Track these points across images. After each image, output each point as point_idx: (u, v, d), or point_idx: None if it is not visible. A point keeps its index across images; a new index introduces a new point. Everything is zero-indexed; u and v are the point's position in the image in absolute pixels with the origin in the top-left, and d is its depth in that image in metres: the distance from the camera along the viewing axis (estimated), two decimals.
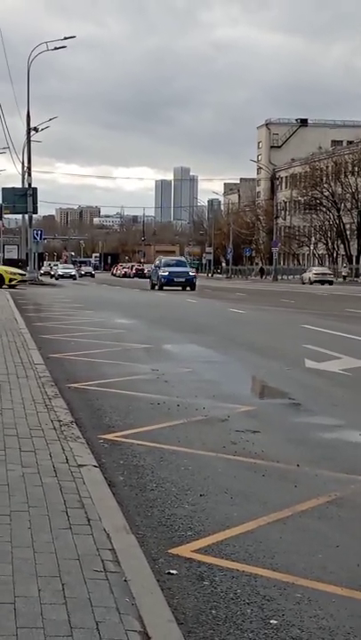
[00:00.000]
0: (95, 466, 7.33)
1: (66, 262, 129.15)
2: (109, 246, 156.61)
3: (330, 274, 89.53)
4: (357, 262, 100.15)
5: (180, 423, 9.92)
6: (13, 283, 50.43)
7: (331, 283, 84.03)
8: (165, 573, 5.14)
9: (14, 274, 52.91)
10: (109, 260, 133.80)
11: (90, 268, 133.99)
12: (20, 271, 58.53)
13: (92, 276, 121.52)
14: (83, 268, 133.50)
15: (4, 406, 9.77)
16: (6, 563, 4.88)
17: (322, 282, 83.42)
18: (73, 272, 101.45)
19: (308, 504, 6.77)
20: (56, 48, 60.27)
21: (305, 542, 5.93)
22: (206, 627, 4.53)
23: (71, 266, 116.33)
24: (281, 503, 6.75)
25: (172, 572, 5.22)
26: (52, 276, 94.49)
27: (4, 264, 61.22)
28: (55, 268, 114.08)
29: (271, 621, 4.60)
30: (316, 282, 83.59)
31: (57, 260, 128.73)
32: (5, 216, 79.62)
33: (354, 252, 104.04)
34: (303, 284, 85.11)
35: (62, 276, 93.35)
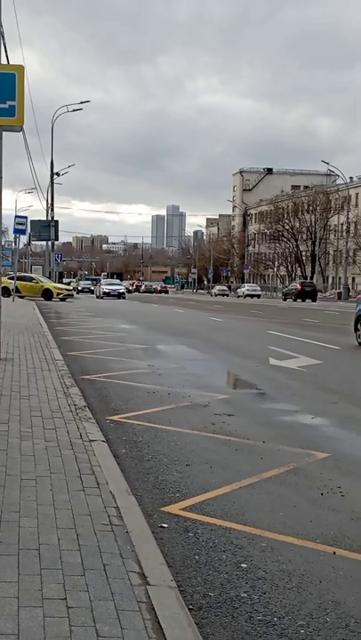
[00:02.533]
0: (103, 441, 7.38)
1: (169, 277, 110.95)
2: (115, 267, 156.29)
3: (258, 290, 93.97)
4: (310, 278, 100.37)
5: (171, 408, 9.96)
6: (61, 296, 49.92)
7: (259, 297, 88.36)
8: (158, 527, 5.22)
9: (61, 289, 52.36)
10: (115, 278, 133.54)
11: (90, 285, 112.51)
12: (66, 287, 58.21)
13: (92, 292, 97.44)
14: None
15: (31, 393, 9.78)
16: (32, 517, 4.91)
17: (251, 296, 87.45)
18: (122, 289, 69.15)
19: (271, 472, 6.83)
20: (74, 110, 60.46)
21: (269, 503, 5.99)
22: (190, 569, 4.59)
23: (118, 281, 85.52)
24: (250, 472, 6.81)
25: (163, 525, 5.29)
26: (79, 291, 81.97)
27: None
28: (82, 284, 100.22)
29: (242, 565, 4.67)
30: (248, 296, 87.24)
31: (72, 278, 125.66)
32: (33, 242, 80.00)
33: (308, 274, 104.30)
34: (238, 297, 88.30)
35: (108, 295, 65.72)
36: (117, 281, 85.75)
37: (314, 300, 71.59)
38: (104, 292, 66.53)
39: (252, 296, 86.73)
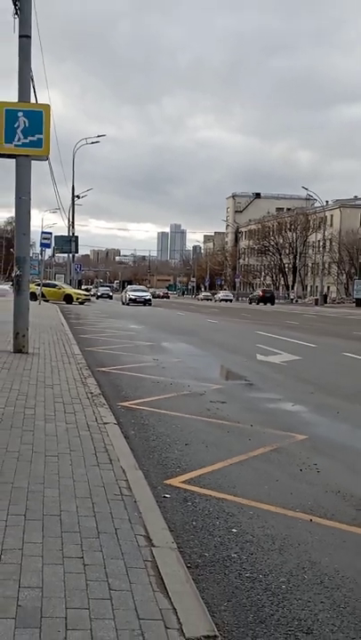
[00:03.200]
0: (115, 424, 7.37)
1: (172, 284, 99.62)
2: (125, 275, 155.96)
3: (230, 295, 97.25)
4: (292, 289, 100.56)
5: (173, 396, 9.96)
6: (80, 300, 49.74)
7: (230, 301, 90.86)
8: (162, 497, 5.22)
9: (80, 294, 52.26)
10: (125, 285, 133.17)
11: (109, 291, 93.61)
12: (84, 292, 58.18)
13: (110, 297, 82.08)
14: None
15: (54, 382, 9.78)
16: (55, 488, 4.92)
17: (225, 300, 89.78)
18: (148, 296, 57.28)
19: (258, 451, 6.83)
20: (92, 142, 60.46)
21: (256, 477, 5.99)
22: (188, 533, 4.60)
23: (144, 287, 73.76)
24: (240, 450, 6.81)
25: (166, 495, 5.29)
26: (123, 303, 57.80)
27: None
28: (101, 290, 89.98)
29: (232, 530, 4.68)
30: (222, 300, 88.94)
31: (90, 285, 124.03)
32: (56, 254, 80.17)
33: (290, 283, 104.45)
34: (215, 301, 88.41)
35: (135, 301, 54.05)
36: (143, 287, 72.74)
37: (272, 304, 76.26)
38: (130, 299, 54.65)
39: (226, 300, 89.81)
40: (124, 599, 3.29)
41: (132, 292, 58.16)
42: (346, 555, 4.34)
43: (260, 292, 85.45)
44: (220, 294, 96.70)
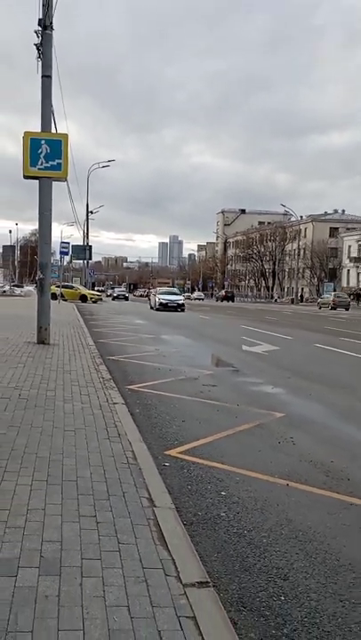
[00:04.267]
0: (123, 403, 7.37)
1: (171, 286, 76.36)
2: (132, 279, 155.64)
3: (202, 295, 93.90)
4: (272, 290, 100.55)
5: (171, 380, 9.94)
6: (93, 300, 49.39)
7: (202, 299, 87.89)
8: (162, 465, 5.22)
9: (93, 294, 52.02)
10: (132, 287, 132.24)
11: (125, 292, 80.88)
12: (97, 293, 57.95)
13: (126, 298, 69.14)
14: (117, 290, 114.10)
15: (72, 369, 9.78)
16: (72, 457, 4.92)
17: (200, 299, 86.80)
18: (181, 300, 40.38)
19: (243, 427, 6.83)
20: (103, 166, 60.11)
21: (241, 448, 5.99)
22: (184, 495, 4.60)
23: (176, 290, 51.51)
24: (228, 426, 6.80)
25: (165, 464, 5.29)
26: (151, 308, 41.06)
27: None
28: (117, 291, 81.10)
29: (222, 493, 4.68)
30: (196, 299, 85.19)
31: (102, 286, 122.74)
32: (73, 261, 79.81)
33: (270, 285, 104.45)
34: (191, 300, 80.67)
35: (166, 306, 37.98)
36: (174, 289, 50.03)
37: (233, 302, 79.20)
38: (161, 304, 37.81)
39: (200, 299, 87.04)
40: (130, 551, 3.30)
41: (162, 295, 40.26)
42: (317, 513, 4.34)
43: (224, 292, 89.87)
44: (195, 294, 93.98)
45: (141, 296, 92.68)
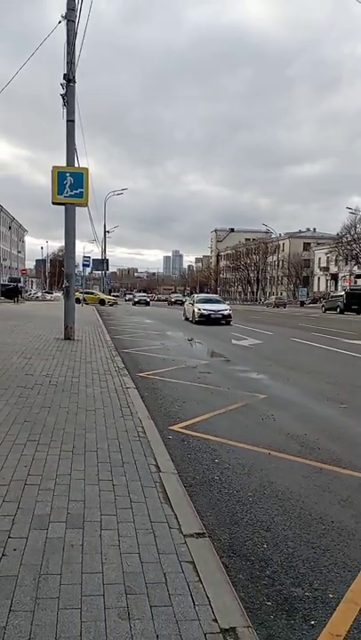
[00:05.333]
0: (134, 388, 7.36)
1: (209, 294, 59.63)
2: (141, 286, 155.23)
3: (181, 297, 76.19)
4: (256, 294, 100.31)
5: (174, 368, 9.93)
6: (110, 303, 48.84)
7: (182, 303, 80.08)
8: (167, 438, 5.20)
9: (110, 299, 51.45)
10: (142, 293, 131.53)
11: (147, 297, 62.00)
12: (114, 298, 57.59)
13: (148, 303, 56.36)
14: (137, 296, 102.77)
15: (92, 359, 9.76)
16: (93, 432, 4.92)
17: (178, 302, 74.48)
18: (227, 310, 23.99)
19: (233, 406, 6.82)
20: (117, 194, 60.05)
21: (231, 424, 5.97)
22: (185, 462, 4.58)
23: (216, 297, 31.85)
24: (220, 405, 6.79)
25: (169, 437, 5.27)
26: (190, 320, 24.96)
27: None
28: (137, 296, 63.23)
29: (215, 460, 4.67)
30: (174, 303, 71.89)
31: (117, 292, 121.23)
32: (94, 271, 79.03)
33: (255, 290, 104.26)
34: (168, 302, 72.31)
35: (209, 318, 23.22)
36: (216, 296, 33.91)
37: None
38: (202, 315, 23.72)
39: (178, 302, 78.51)
40: (140, 508, 3.30)
41: (203, 304, 25.03)
42: (293, 476, 4.34)
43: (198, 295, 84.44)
44: (174, 297, 78.45)
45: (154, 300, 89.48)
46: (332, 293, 50.19)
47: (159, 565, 2.64)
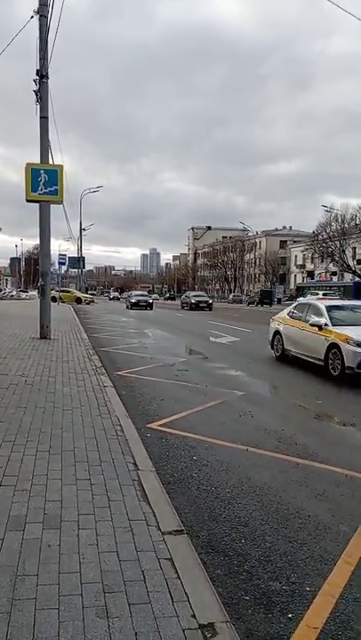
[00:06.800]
0: (112, 386, 7.32)
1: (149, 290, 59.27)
2: (118, 284, 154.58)
3: (206, 298, 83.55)
4: (233, 292, 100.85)
5: (152, 366, 9.93)
6: (87, 301, 48.37)
7: (208, 306, 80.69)
8: (145, 436, 5.19)
9: (86, 297, 51.04)
10: (119, 291, 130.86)
11: (148, 298, 43.02)
12: (90, 296, 57.06)
13: (150, 306, 39.34)
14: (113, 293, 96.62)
15: (69, 359, 9.68)
16: (70, 432, 4.88)
17: (203, 306, 78.63)
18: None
19: (210, 404, 6.84)
20: (93, 191, 59.32)
21: (209, 421, 5.99)
22: (162, 459, 4.59)
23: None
24: (198, 403, 6.82)
25: (147, 435, 5.27)
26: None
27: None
28: (134, 296, 42.70)
29: (193, 457, 4.68)
30: (196, 306, 76.86)
31: (94, 290, 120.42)
32: (70, 269, 78.32)
33: (232, 288, 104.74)
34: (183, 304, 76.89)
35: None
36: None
37: (173, 300, 76.87)
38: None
39: (144, 302, 79.64)
40: (118, 507, 3.29)
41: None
42: (271, 472, 4.38)
43: (167, 294, 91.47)
44: (134, 295, 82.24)
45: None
46: (253, 291, 57.57)
47: (137, 563, 2.64)
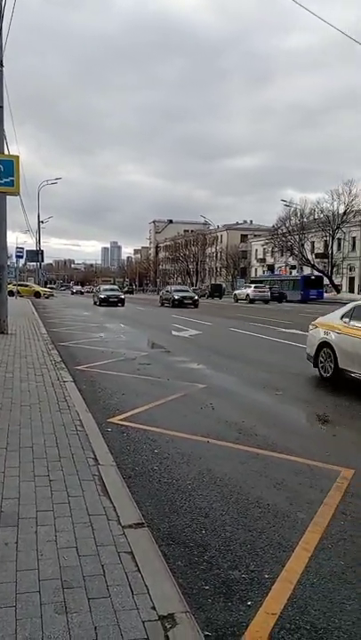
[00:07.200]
0: (72, 381, 7.25)
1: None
2: (78, 278, 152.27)
3: (190, 293, 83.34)
4: (195, 285, 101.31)
5: (113, 360, 9.87)
6: (46, 295, 47.86)
7: (193, 303, 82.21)
8: (106, 430, 5.16)
9: (45, 291, 50.44)
10: (79, 285, 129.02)
11: (119, 293, 37.74)
12: (49, 290, 56.25)
13: (122, 302, 34.09)
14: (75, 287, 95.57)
15: (27, 354, 9.52)
16: (28, 428, 4.81)
17: (188, 302, 78.98)
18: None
19: (172, 397, 6.86)
20: (51, 183, 58.24)
21: (170, 414, 6.02)
22: (124, 454, 4.57)
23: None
24: (160, 396, 6.82)
25: (108, 429, 5.25)
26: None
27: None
28: (103, 290, 37.32)
29: (155, 451, 4.69)
30: (179, 304, 76.83)
31: (53, 284, 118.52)
32: (28, 263, 76.77)
33: (194, 282, 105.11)
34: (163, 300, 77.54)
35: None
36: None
37: (133, 294, 75.24)
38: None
39: (114, 299, 79.59)
40: (78, 502, 3.26)
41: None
42: (231, 463, 4.43)
43: (126, 288, 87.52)
44: (102, 290, 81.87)
45: (88, 292, 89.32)
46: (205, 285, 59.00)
47: (97, 558, 2.63)
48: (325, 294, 50.35)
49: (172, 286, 39.67)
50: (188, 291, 37.18)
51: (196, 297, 34.36)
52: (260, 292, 43.90)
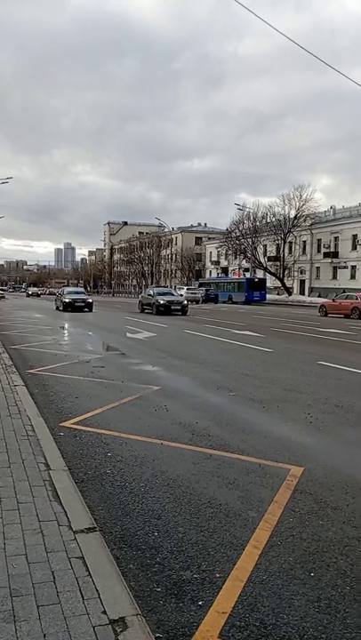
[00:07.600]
0: (23, 385, 7.13)
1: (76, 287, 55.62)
2: (31, 280, 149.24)
3: (86, 293, 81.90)
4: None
5: (66, 364, 9.75)
6: None
7: (90, 303, 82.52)
8: (58, 435, 5.10)
9: None
10: (34, 286, 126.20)
11: (86, 297, 31.14)
12: (1, 292, 55.10)
13: (90, 307, 28.92)
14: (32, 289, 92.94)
15: None
16: None
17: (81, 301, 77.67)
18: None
19: (126, 399, 6.84)
20: (3, 182, 56.80)
21: (124, 417, 6.00)
22: (77, 458, 4.54)
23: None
24: (114, 399, 6.80)
25: (60, 434, 5.19)
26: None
27: None
28: (67, 293, 31.66)
29: (108, 454, 4.66)
30: (72, 306, 70.05)
31: (5, 286, 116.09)
32: None
33: (149, 284, 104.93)
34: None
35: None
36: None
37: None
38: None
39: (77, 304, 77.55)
40: (28, 508, 3.20)
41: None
42: (184, 464, 4.46)
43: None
44: (66, 292, 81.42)
45: (42, 293, 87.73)
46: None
47: (47, 564, 2.59)
48: (277, 296, 52.47)
49: (154, 288, 33.09)
50: (173, 294, 30.99)
51: (186, 302, 28.58)
52: (192, 293, 50.01)
